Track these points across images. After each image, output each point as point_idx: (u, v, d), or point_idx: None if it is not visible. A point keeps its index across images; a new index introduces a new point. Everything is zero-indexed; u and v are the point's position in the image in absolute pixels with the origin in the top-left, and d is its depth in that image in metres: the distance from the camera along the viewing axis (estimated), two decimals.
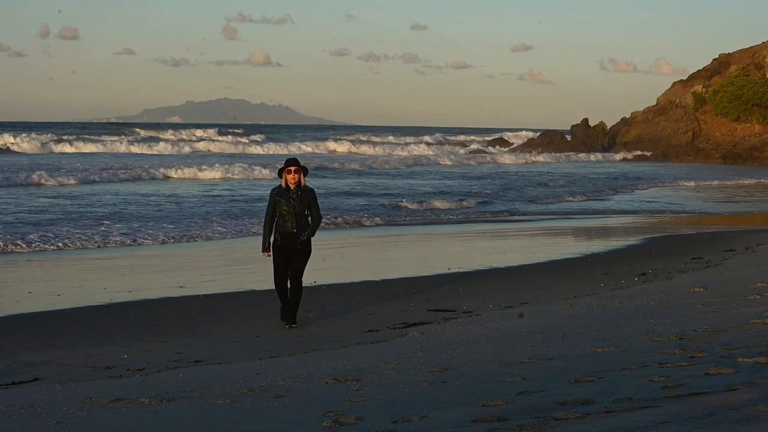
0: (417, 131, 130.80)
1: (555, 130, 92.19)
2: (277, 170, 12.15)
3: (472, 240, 22.52)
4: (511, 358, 8.28)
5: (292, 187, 11.87)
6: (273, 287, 12.05)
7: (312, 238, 12.01)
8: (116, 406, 7.12)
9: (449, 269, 16.50)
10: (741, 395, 6.03)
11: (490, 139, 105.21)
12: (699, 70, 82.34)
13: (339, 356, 9.26)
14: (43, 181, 36.18)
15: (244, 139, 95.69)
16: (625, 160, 73.73)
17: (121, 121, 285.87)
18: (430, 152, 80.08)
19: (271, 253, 11.97)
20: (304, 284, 12.07)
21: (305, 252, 11.95)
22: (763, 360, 7.16)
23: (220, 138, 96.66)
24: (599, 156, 76.63)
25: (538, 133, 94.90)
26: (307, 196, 11.93)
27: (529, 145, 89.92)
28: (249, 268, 16.89)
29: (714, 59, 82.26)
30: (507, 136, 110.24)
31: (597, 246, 20.60)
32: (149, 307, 12.74)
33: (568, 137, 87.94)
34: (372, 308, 12.76)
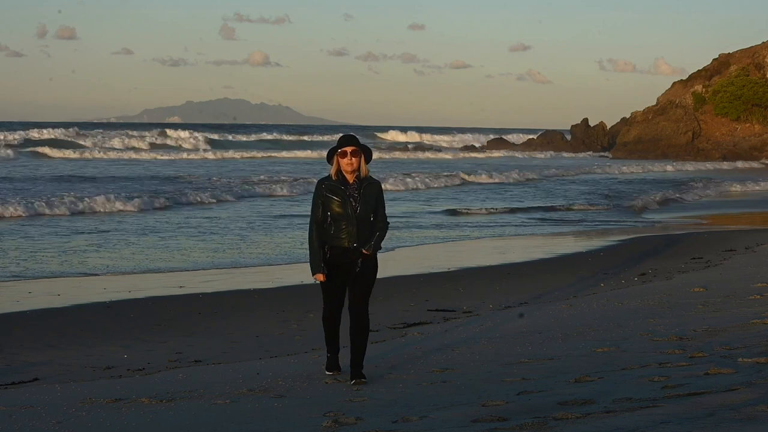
0: (420, 131, 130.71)
1: (555, 130, 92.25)
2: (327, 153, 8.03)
3: (471, 240, 22.51)
4: (511, 358, 8.28)
5: (349, 178, 7.86)
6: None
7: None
8: (116, 406, 7.13)
9: (449, 269, 16.50)
10: (741, 395, 6.03)
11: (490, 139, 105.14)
12: (699, 70, 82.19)
13: (339, 356, 9.24)
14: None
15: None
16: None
17: (121, 121, 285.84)
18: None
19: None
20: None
21: (371, 271, 8.06)
22: (763, 360, 7.16)
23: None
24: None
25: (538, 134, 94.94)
26: (372, 191, 7.92)
27: (529, 145, 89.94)
28: (249, 267, 16.87)
29: (714, 59, 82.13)
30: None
31: (596, 245, 20.60)
32: (149, 307, 12.73)
33: (568, 137, 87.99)
34: (372, 308, 12.66)
